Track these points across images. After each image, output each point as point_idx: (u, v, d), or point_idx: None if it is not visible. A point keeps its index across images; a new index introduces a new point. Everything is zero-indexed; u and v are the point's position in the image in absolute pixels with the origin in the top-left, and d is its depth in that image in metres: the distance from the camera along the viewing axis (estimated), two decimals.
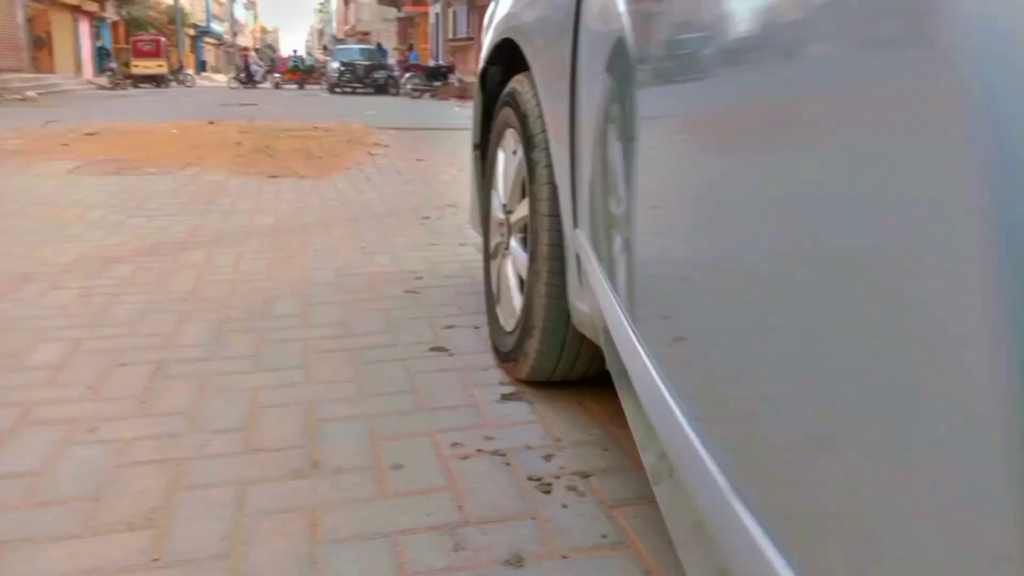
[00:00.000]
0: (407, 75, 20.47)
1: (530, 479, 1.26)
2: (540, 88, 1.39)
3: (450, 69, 20.31)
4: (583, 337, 1.38)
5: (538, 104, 1.43)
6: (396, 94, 20.64)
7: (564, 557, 1.07)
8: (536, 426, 1.46)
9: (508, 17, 1.63)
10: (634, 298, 0.88)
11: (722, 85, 0.64)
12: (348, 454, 1.33)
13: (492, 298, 1.84)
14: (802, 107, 0.49)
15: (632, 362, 0.86)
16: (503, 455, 1.34)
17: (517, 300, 1.61)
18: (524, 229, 1.60)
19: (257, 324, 2.02)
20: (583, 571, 1.04)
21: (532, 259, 1.44)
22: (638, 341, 0.84)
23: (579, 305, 1.28)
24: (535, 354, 1.49)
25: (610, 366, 1.08)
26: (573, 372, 1.53)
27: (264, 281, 2.44)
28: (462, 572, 1.03)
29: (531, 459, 1.33)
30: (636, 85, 0.87)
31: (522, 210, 1.56)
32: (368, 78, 21.25)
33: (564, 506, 1.18)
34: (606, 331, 1.06)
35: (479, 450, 1.35)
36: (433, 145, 7.34)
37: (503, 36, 1.69)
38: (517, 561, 1.06)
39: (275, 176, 4.98)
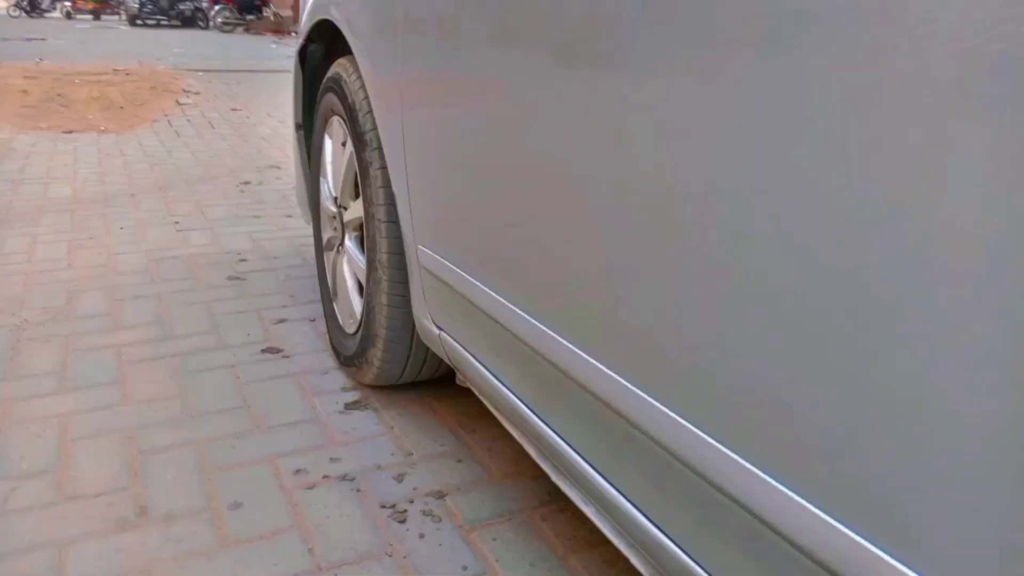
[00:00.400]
0: (217, 7, 19.03)
1: (383, 507, 1.20)
2: (368, 83, 1.28)
3: (264, 1, 19.09)
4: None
5: (367, 99, 1.33)
6: (205, 27, 19.18)
7: None
8: (384, 439, 1.40)
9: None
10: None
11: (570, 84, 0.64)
12: (179, 494, 1.21)
13: (328, 293, 1.73)
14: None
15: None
16: (352, 479, 1.27)
17: (357, 303, 1.52)
18: (360, 228, 1.50)
19: (59, 329, 1.80)
20: None
21: (371, 267, 1.35)
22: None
23: (425, 323, 1.22)
24: (379, 363, 1.42)
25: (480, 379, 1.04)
26: (421, 375, 1.47)
27: (64, 271, 2.18)
28: None
29: (382, 482, 1.27)
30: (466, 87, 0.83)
31: (357, 210, 1.47)
32: (173, 9, 19.62)
33: (421, 536, 1.14)
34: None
35: (325, 476, 1.28)
36: (249, 91, 6.87)
37: (320, 17, 1.55)
38: None
39: (71, 132, 4.48)
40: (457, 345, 1.11)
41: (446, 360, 1.21)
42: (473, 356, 1.06)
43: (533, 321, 0.85)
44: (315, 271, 2.25)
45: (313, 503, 1.20)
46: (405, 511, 1.20)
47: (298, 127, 1.86)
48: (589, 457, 0.80)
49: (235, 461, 1.31)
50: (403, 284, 1.30)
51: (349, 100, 1.39)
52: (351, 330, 1.55)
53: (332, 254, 1.66)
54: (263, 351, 1.74)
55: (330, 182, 1.62)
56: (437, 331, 1.17)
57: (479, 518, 1.19)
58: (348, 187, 1.52)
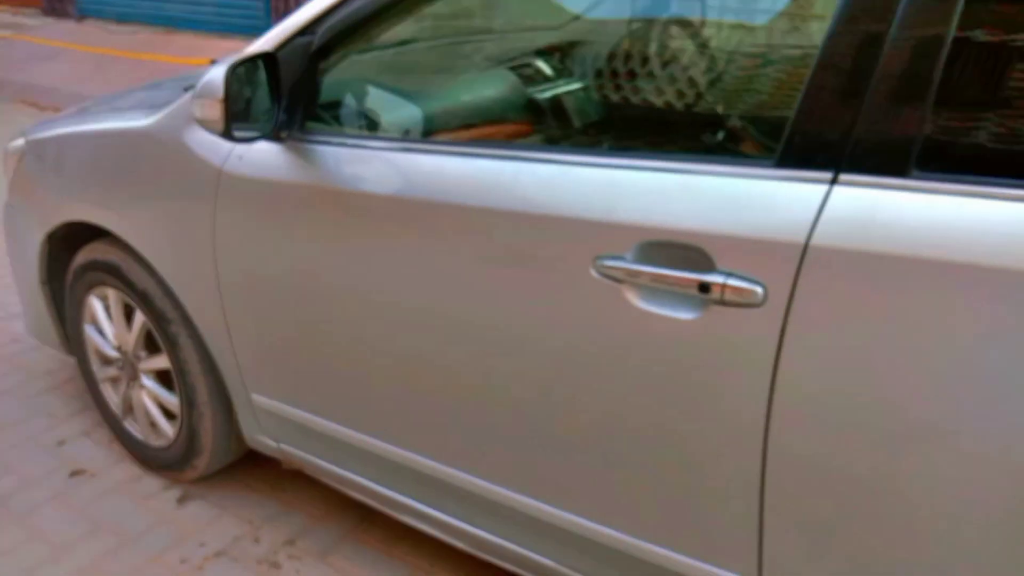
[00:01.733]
0: None
1: (260, 563, 1.81)
2: (169, 274, 1.74)
3: None
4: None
5: (161, 284, 1.80)
6: None
7: None
8: (226, 517, 1.95)
9: (84, 199, 1.87)
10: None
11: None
12: None
13: (112, 415, 2.14)
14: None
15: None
16: (225, 553, 1.84)
17: (165, 425, 2.00)
18: (157, 371, 1.97)
19: None
20: None
21: (191, 404, 1.87)
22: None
23: (261, 439, 1.81)
24: (205, 466, 1.96)
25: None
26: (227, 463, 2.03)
27: None
28: None
29: (247, 547, 1.86)
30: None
31: (158, 362, 1.93)
32: None
33: (297, 572, 1.79)
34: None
35: (205, 557, 1.82)
36: None
37: (68, 220, 1.91)
38: None
39: None
40: (297, 451, 1.74)
41: (282, 460, 1.83)
42: (319, 459, 1.71)
43: (358, 434, 1.55)
44: (47, 384, 2.52)
45: None
46: (276, 561, 1.82)
47: (43, 283, 2.15)
48: (400, 491, 1.55)
49: (128, 569, 1.78)
50: (228, 414, 1.86)
51: (139, 287, 1.84)
52: (161, 444, 2.03)
53: (121, 387, 2.08)
54: (71, 475, 2.10)
55: (110, 338, 2.03)
56: (275, 444, 1.78)
57: (326, 548, 1.86)
58: (139, 344, 1.97)
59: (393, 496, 1.63)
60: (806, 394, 1.04)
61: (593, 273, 1.17)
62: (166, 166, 1.68)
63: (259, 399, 1.74)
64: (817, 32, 1.21)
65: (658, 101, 1.72)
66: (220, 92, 1.34)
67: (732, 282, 1.05)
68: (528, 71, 2.01)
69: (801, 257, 1.01)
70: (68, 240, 2.06)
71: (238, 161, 1.56)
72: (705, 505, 1.19)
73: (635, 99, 1.77)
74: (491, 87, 1.93)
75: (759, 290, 1.04)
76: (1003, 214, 0.91)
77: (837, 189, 1.01)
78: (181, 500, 2.02)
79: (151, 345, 1.97)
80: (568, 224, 1.18)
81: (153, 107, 1.79)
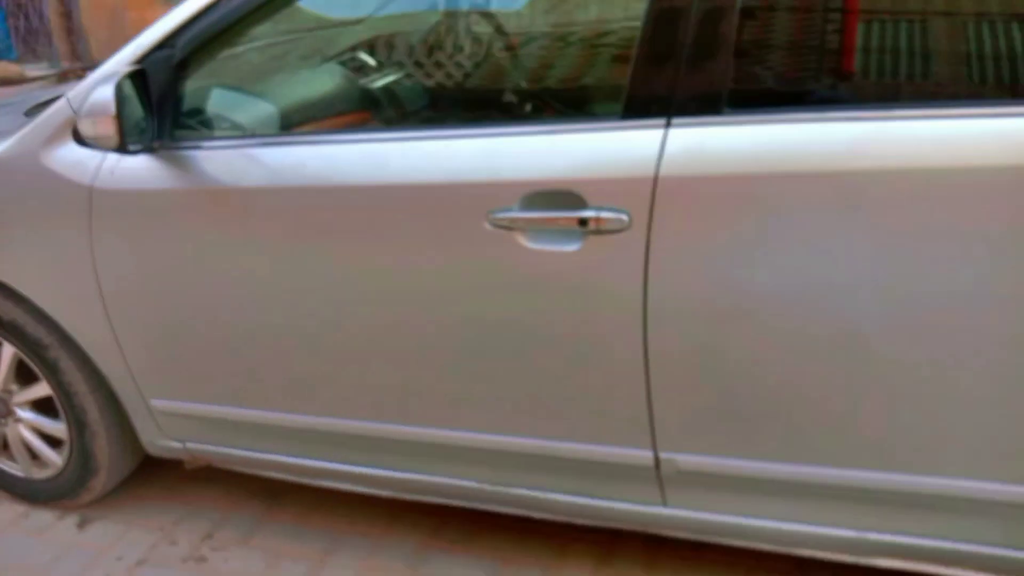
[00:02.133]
0: None
1: (185, 561, 1.87)
2: (43, 298, 1.74)
3: None
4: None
5: (32, 311, 1.77)
6: None
7: None
8: (134, 529, 1.98)
9: None
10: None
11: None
12: None
13: None
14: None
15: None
16: (147, 561, 1.88)
17: (51, 454, 1.97)
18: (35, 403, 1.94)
19: None
20: None
21: (82, 425, 1.86)
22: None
23: (163, 443, 1.86)
24: (102, 486, 1.97)
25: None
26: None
27: None
28: None
29: (167, 551, 1.90)
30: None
31: (36, 392, 1.90)
32: None
33: (226, 560, 1.87)
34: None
35: (128, 568, 1.85)
36: None
37: None
38: None
39: None
40: (205, 446, 1.82)
41: (187, 460, 1.89)
42: (230, 449, 1.80)
43: (268, 412, 1.68)
44: None
45: None
46: (201, 555, 1.89)
47: None
48: (315, 456, 1.71)
49: None
50: (121, 427, 1.88)
51: (6, 319, 1.81)
52: (47, 474, 2.00)
53: None
54: None
55: None
56: (181, 445, 1.84)
57: (246, 533, 1.95)
58: (9, 378, 1.92)
59: (308, 464, 1.76)
60: (673, 294, 1.33)
61: (487, 226, 1.38)
62: (26, 192, 1.67)
63: (159, 403, 1.79)
64: (631, 13, 1.50)
65: (506, 80, 1.96)
66: (112, 109, 1.40)
67: (603, 215, 1.32)
68: (355, 63, 2.16)
69: (653, 187, 1.29)
70: None
71: (110, 176, 1.60)
72: (605, 399, 1.46)
73: (484, 79, 2.00)
74: (328, 81, 2.07)
75: (625, 217, 1.31)
76: (793, 134, 1.24)
77: (672, 131, 1.30)
78: (81, 525, 2.01)
79: (22, 377, 1.93)
80: (461, 188, 1.39)
81: None
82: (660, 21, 1.30)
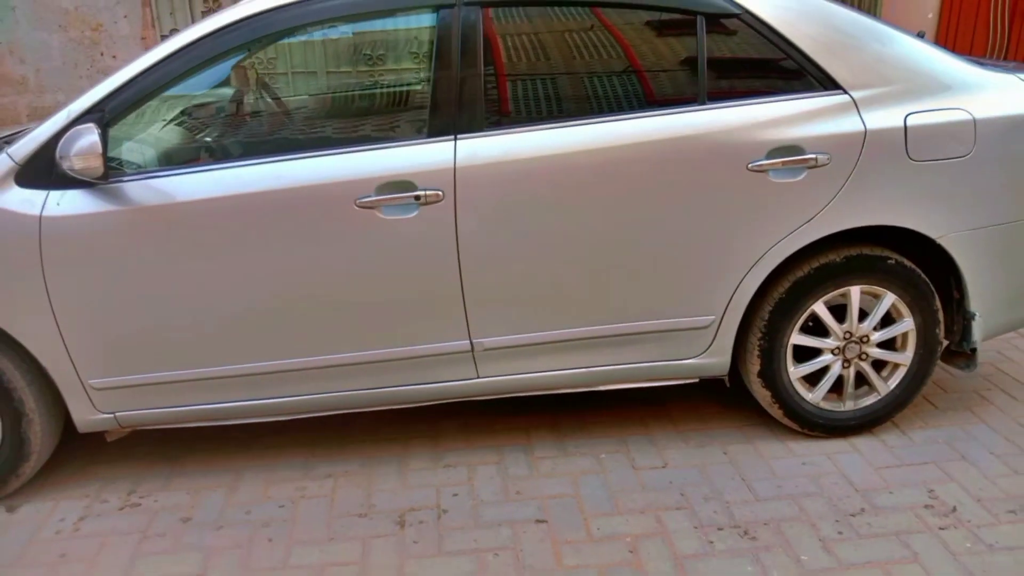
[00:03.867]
0: None
1: (121, 508, 2.38)
2: (14, 329, 2.22)
3: None
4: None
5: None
6: None
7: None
8: (63, 500, 2.42)
9: None
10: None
11: None
12: None
13: None
14: None
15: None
16: (86, 517, 2.35)
17: None
18: None
19: None
20: None
21: (18, 416, 2.30)
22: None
23: (92, 418, 2.37)
24: (31, 470, 2.40)
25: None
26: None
27: None
28: None
29: (100, 507, 2.39)
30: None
31: None
32: None
33: (155, 500, 2.41)
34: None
35: (74, 523, 2.32)
36: None
37: None
38: None
39: None
40: (135, 412, 2.38)
41: (111, 431, 2.41)
42: (156, 409, 2.37)
43: (194, 371, 2.33)
44: None
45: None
46: (134, 503, 2.41)
47: None
48: (231, 399, 2.39)
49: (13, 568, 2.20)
50: (52, 413, 2.35)
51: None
52: None
53: None
54: None
55: None
56: (111, 415, 2.37)
57: (163, 482, 2.50)
58: None
59: (221, 407, 2.41)
60: (470, 239, 2.28)
61: (354, 207, 2.24)
62: None
63: (96, 382, 2.32)
64: (423, 77, 2.46)
65: (352, 116, 2.69)
66: (100, 148, 2.02)
67: (428, 192, 2.24)
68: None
69: (454, 174, 2.25)
70: None
71: (56, 206, 2.18)
72: (436, 311, 2.36)
73: (338, 116, 2.78)
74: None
75: (441, 193, 2.25)
76: (521, 139, 2.27)
77: (458, 142, 2.27)
78: (10, 510, 2.41)
79: None
80: (336, 186, 2.22)
81: None
82: (441, 82, 2.28)
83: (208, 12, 5.80)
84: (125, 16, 5.75)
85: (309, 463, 2.61)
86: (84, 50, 5.81)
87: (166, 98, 2.43)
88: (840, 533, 2.21)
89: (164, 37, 5.79)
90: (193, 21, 5.73)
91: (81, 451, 2.66)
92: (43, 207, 2.18)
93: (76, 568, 2.16)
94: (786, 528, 2.24)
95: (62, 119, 2.19)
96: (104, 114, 2.19)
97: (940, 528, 2.22)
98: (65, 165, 2.07)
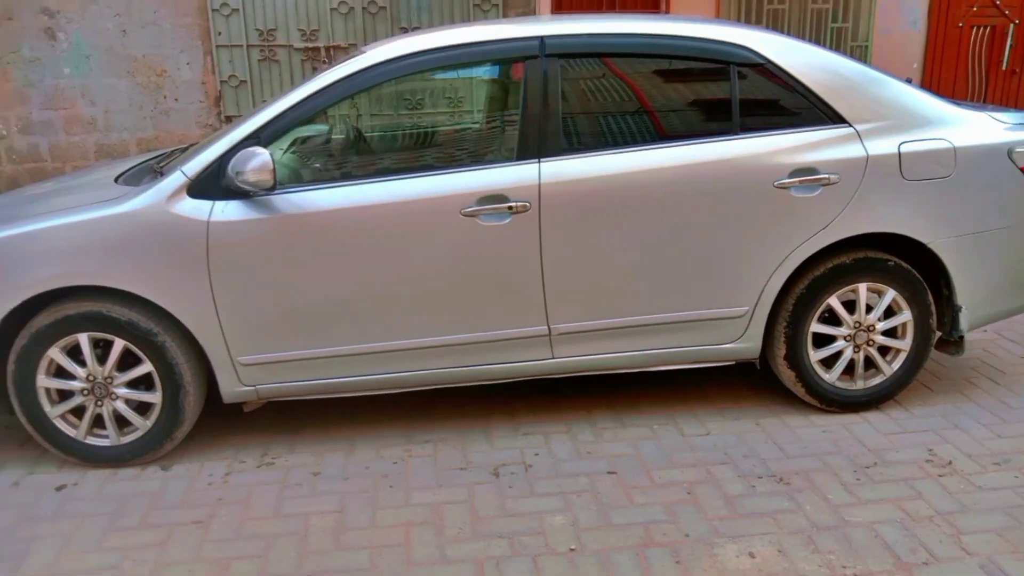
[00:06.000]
0: None
1: (258, 467, 2.86)
2: (166, 300, 2.70)
3: None
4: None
5: (147, 309, 2.73)
6: None
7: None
8: (207, 462, 2.90)
9: (68, 271, 2.67)
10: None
11: None
12: None
13: (58, 435, 2.84)
14: None
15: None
16: (231, 473, 2.83)
17: (139, 420, 2.84)
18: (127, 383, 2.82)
19: None
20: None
21: (177, 389, 2.79)
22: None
23: (237, 389, 2.86)
24: (182, 434, 2.88)
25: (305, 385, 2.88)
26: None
27: None
28: None
29: (240, 467, 2.87)
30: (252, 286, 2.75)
31: (136, 372, 2.79)
32: None
33: (286, 461, 2.89)
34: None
35: (223, 477, 2.79)
36: None
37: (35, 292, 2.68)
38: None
39: None
40: (273, 385, 2.87)
41: (249, 402, 2.90)
42: (290, 382, 2.87)
43: (327, 349, 2.83)
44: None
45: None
46: (268, 462, 2.89)
47: None
48: (358, 373, 2.88)
49: (177, 514, 2.68)
50: (203, 386, 2.85)
51: (124, 320, 2.72)
52: (132, 437, 2.85)
53: (91, 409, 2.80)
54: (56, 489, 2.75)
55: (81, 375, 2.77)
56: (253, 388, 2.86)
57: (288, 447, 2.98)
58: (114, 367, 2.78)
59: (349, 380, 2.90)
60: (551, 241, 2.81)
61: (459, 216, 2.77)
62: (159, 228, 2.68)
63: (244, 359, 2.82)
64: (510, 108, 3.02)
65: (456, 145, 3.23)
66: (271, 166, 2.56)
67: (518, 204, 2.78)
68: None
69: (539, 189, 2.79)
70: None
71: (220, 213, 2.70)
72: (522, 300, 2.88)
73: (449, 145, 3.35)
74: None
75: (528, 204, 2.79)
76: (595, 162, 2.82)
77: (542, 164, 2.82)
78: (165, 468, 2.88)
79: (122, 364, 2.81)
80: (445, 199, 2.76)
81: (96, 199, 2.75)
82: (528, 115, 2.83)
83: (264, 59, 6.39)
84: (188, 63, 6.33)
85: (409, 432, 3.10)
86: (149, 93, 6.37)
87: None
88: (858, 479, 2.71)
89: (223, 83, 6.38)
90: (250, 69, 6.35)
91: (213, 422, 3.14)
92: (210, 213, 2.70)
93: (234, 508, 2.64)
94: (813, 476, 2.74)
95: (226, 143, 2.73)
96: (260, 140, 2.73)
97: (939, 476, 2.72)
98: (239, 179, 2.60)
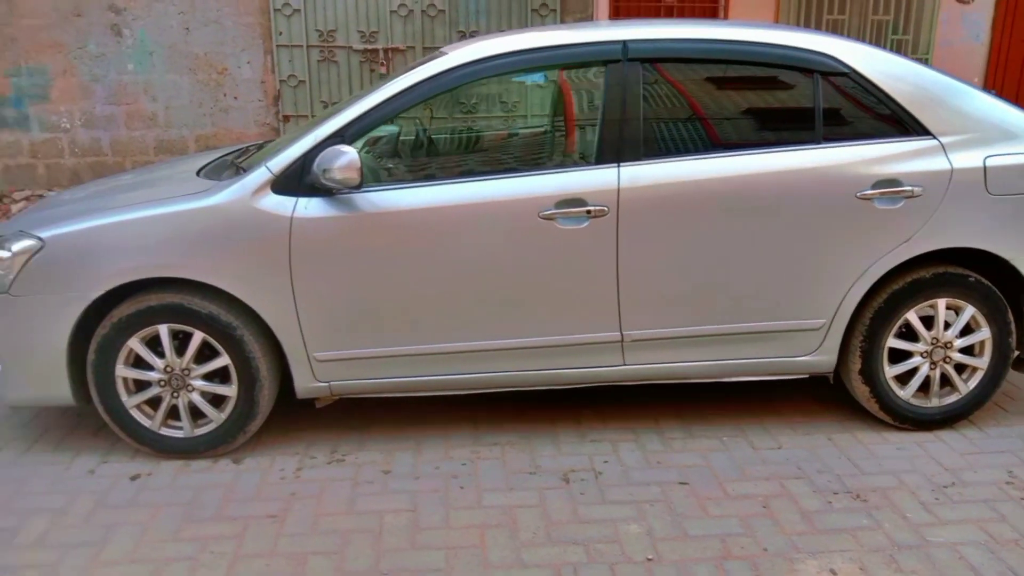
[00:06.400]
0: None
1: (328, 463, 2.87)
2: (246, 293, 2.72)
3: None
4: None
5: (227, 302, 2.75)
6: None
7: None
8: (277, 456, 2.92)
9: (152, 262, 2.71)
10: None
11: None
12: None
13: (133, 425, 2.87)
14: None
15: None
16: (302, 468, 2.85)
17: (213, 412, 2.87)
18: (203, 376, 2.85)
19: None
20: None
21: (252, 382, 2.82)
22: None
23: (312, 385, 2.88)
24: (255, 427, 2.90)
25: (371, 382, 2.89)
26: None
27: None
28: None
29: (311, 463, 2.88)
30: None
31: (212, 365, 2.82)
32: None
33: (356, 458, 2.91)
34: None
35: (306, 468, 2.81)
36: None
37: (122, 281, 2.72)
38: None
39: None
40: (346, 382, 2.88)
41: (321, 398, 2.92)
42: (363, 380, 2.88)
43: (402, 348, 2.84)
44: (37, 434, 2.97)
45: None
46: (338, 459, 2.90)
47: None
48: (429, 373, 2.89)
49: (209, 511, 2.70)
50: (277, 381, 2.87)
51: (203, 313, 2.75)
52: (206, 430, 2.88)
53: (165, 401, 2.84)
54: (131, 479, 2.79)
55: (160, 366, 2.81)
56: (327, 384, 2.88)
57: (358, 445, 2.99)
58: (192, 359, 2.82)
59: (419, 380, 2.91)
60: (628, 247, 2.80)
61: (537, 219, 2.76)
62: (243, 223, 2.70)
63: (320, 355, 2.83)
64: (589, 111, 3.00)
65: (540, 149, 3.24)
66: (358, 164, 2.57)
67: (596, 208, 2.77)
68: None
69: (617, 194, 2.78)
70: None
71: (304, 210, 2.72)
72: (597, 305, 2.86)
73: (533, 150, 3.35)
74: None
75: (606, 208, 2.78)
76: (672, 167, 2.81)
77: (621, 168, 2.81)
78: (236, 461, 2.91)
79: (199, 357, 2.84)
80: (523, 201, 2.76)
81: (182, 192, 2.80)
82: (607, 119, 2.82)
83: (324, 59, 6.45)
84: (248, 62, 6.43)
85: (476, 434, 3.09)
86: (209, 91, 6.47)
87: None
88: (936, 499, 2.66)
89: (282, 82, 6.46)
90: (309, 69, 6.42)
91: (281, 417, 3.16)
92: (293, 210, 2.73)
93: (307, 503, 2.65)
94: (890, 494, 2.69)
95: (310, 141, 2.75)
96: (344, 138, 2.75)
97: (1021, 499, 2.66)
98: (326, 176, 2.62)
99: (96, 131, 6.45)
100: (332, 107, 3.20)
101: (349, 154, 2.61)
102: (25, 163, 6.45)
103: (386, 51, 6.37)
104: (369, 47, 6.39)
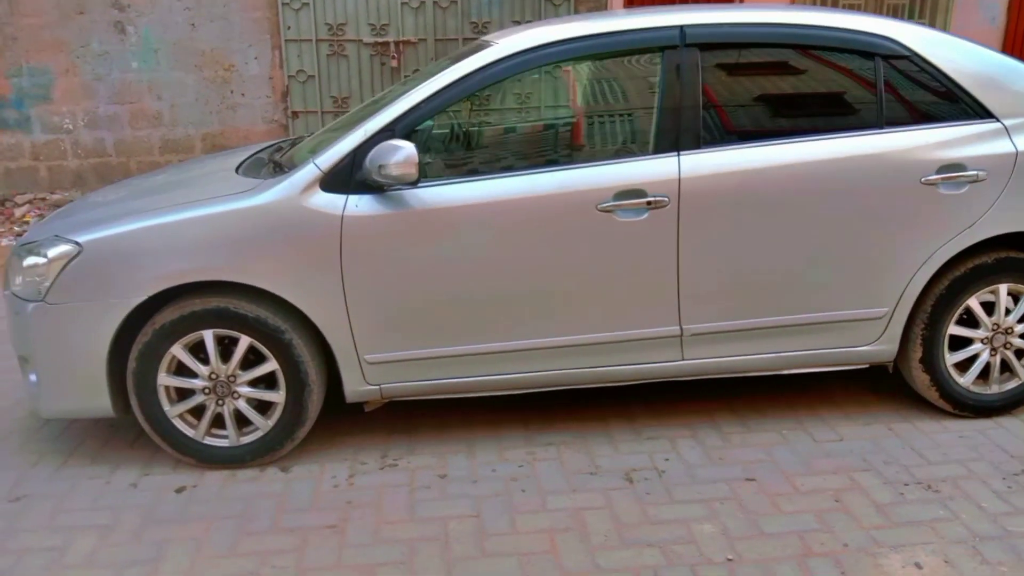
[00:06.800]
0: None
1: (381, 468, 2.78)
2: (295, 295, 2.61)
3: None
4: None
5: (273, 305, 2.65)
6: None
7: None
8: (328, 462, 2.82)
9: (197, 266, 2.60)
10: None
11: None
12: None
13: (176, 435, 2.76)
14: None
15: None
16: (355, 474, 2.75)
17: (258, 418, 2.76)
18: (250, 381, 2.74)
19: None
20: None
21: (301, 387, 2.71)
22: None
23: (361, 389, 2.77)
24: (303, 434, 2.80)
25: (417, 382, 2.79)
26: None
27: None
28: None
29: (362, 468, 2.79)
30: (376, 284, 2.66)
31: (257, 372, 2.71)
32: None
33: (408, 461, 2.81)
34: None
35: (347, 479, 2.71)
36: None
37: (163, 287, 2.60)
38: None
39: None
40: (396, 384, 2.78)
41: (370, 401, 2.82)
42: (414, 381, 2.78)
43: (455, 348, 2.74)
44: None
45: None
46: (390, 464, 2.81)
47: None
48: (477, 374, 2.79)
49: (269, 523, 2.60)
50: (324, 385, 2.77)
51: (251, 316, 2.64)
52: (253, 437, 2.77)
53: (209, 409, 2.73)
54: (176, 491, 2.68)
55: (204, 372, 2.70)
56: (377, 387, 2.78)
57: (407, 449, 2.89)
58: (236, 365, 2.71)
59: (470, 380, 2.81)
60: (689, 238, 2.71)
61: (595, 211, 2.67)
62: (292, 222, 2.60)
63: (371, 357, 2.73)
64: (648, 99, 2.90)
65: (599, 140, 3.15)
66: (415, 159, 2.47)
67: (657, 199, 2.68)
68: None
69: (678, 184, 2.69)
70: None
71: (355, 208, 2.62)
72: (656, 298, 2.78)
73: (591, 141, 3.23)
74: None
75: (667, 199, 2.69)
76: (730, 154, 2.72)
77: (681, 157, 2.72)
78: (285, 470, 2.81)
79: (245, 363, 2.74)
80: (581, 193, 2.66)
81: (225, 192, 2.69)
82: (666, 107, 2.73)
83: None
84: (256, 58, 6.29)
85: (528, 435, 3.00)
86: (216, 88, 6.33)
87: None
88: (1009, 487, 2.59)
89: (291, 78, 6.33)
90: (319, 64, 6.28)
91: (326, 423, 3.06)
92: (344, 208, 2.62)
93: (365, 511, 2.55)
94: (962, 483, 2.62)
95: (360, 136, 2.65)
96: (394, 132, 2.64)
97: None
98: (381, 172, 2.52)
99: (100, 131, 6.30)
100: (374, 101, 3.07)
101: (406, 149, 2.51)
102: (27, 166, 6.29)
103: (397, 44, 6.25)
104: (380, 40, 6.26)
